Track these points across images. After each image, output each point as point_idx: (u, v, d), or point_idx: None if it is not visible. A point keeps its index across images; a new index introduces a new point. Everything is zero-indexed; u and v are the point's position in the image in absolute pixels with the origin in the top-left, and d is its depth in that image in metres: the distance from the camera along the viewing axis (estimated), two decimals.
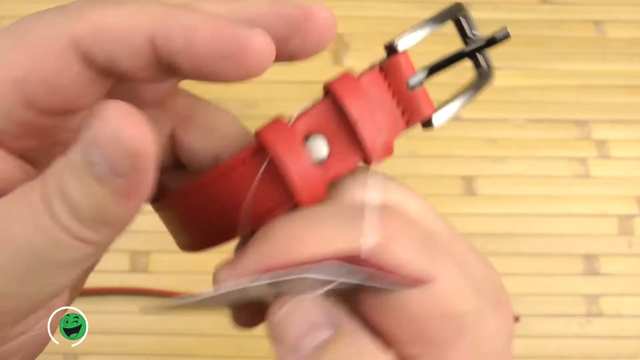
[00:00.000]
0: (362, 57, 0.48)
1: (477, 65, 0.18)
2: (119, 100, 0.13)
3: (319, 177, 0.16)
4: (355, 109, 0.16)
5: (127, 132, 0.13)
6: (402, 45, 0.17)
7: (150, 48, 0.15)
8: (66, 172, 0.14)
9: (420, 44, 0.52)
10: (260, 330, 0.43)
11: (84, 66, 0.15)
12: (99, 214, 0.14)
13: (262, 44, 0.15)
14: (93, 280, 0.41)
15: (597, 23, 0.49)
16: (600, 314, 0.41)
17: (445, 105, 0.17)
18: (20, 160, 0.17)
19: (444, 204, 0.44)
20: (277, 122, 0.16)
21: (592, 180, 0.45)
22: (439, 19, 0.17)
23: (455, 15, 0.18)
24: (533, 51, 0.48)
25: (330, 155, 0.16)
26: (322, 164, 0.16)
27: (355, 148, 0.16)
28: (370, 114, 0.16)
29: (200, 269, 0.42)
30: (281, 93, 0.46)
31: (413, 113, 0.18)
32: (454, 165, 0.45)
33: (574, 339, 0.41)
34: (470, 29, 0.18)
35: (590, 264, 0.43)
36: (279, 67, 0.53)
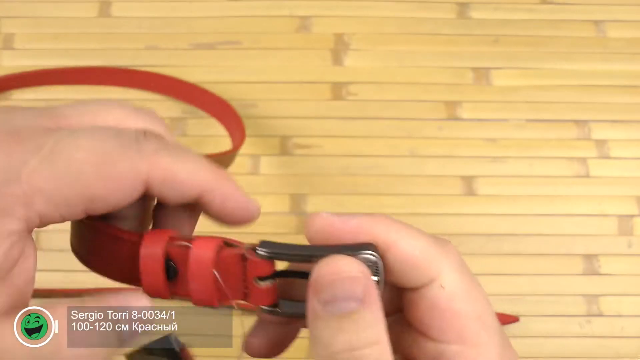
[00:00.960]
0: (362, 57, 0.48)
1: None
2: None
3: (161, 281, 0.21)
4: (194, 269, 0.21)
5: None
6: (261, 253, 0.21)
7: (196, 197, 0.20)
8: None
9: (420, 43, 0.51)
10: None
11: (141, 192, 0.20)
12: None
13: (258, 212, 0.22)
14: (93, 280, 0.41)
15: (597, 23, 0.49)
16: (600, 314, 0.41)
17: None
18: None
19: (444, 204, 0.44)
20: (159, 234, 0.21)
21: (592, 180, 0.45)
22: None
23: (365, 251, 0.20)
24: (533, 51, 0.48)
25: (176, 278, 0.21)
26: (172, 280, 0.21)
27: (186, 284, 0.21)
28: (206, 281, 0.21)
29: None
30: (281, 93, 0.46)
31: (253, 298, 0.22)
32: (454, 165, 0.45)
33: (574, 339, 0.41)
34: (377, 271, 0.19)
35: (590, 264, 0.43)
36: (279, 67, 0.53)
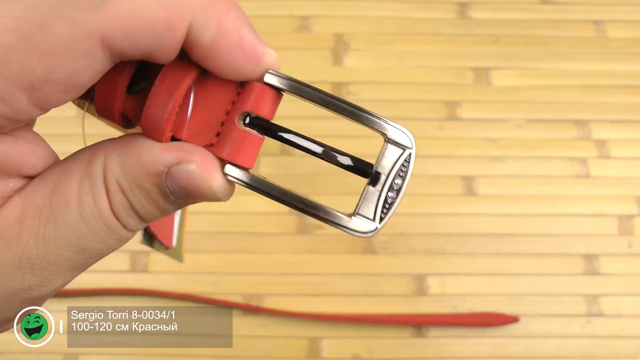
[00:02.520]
0: (362, 57, 0.48)
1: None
2: (201, 150, 0.16)
3: (120, 88, 0.16)
4: (167, 73, 0.15)
5: (214, 188, 0.16)
6: (269, 78, 0.16)
7: (183, 38, 0.15)
8: (136, 193, 0.15)
9: (420, 43, 0.52)
10: (260, 330, 0.43)
11: (109, 61, 0.14)
12: (160, 217, 0.16)
13: (273, 62, 0.16)
14: (93, 281, 0.41)
15: (597, 23, 0.49)
16: (600, 314, 0.42)
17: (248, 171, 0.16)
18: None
19: (444, 204, 0.44)
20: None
21: (592, 180, 0.45)
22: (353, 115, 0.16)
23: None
24: (533, 51, 0.48)
25: (143, 90, 0.16)
26: (134, 93, 0.16)
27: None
28: (173, 91, 0.15)
29: (199, 270, 0.42)
30: None
31: (221, 144, 0.16)
32: (454, 165, 0.45)
33: (574, 339, 0.41)
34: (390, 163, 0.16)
35: (590, 264, 0.43)
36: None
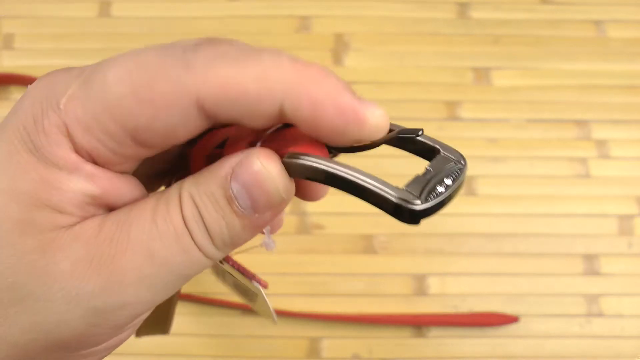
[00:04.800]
0: (362, 57, 0.48)
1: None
2: (263, 148, 0.16)
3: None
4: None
5: (278, 182, 0.16)
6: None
7: (277, 114, 0.15)
8: (205, 201, 0.16)
9: (420, 44, 0.52)
10: (260, 330, 0.43)
11: (202, 121, 0.16)
12: (230, 239, 0.16)
13: (381, 122, 0.16)
14: None
15: (597, 23, 0.49)
16: (600, 314, 0.41)
17: None
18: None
19: None
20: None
21: (592, 180, 0.45)
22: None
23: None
24: (533, 51, 0.48)
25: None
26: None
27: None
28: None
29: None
30: None
31: (286, 145, 0.17)
32: None
33: (573, 339, 0.41)
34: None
35: (590, 264, 0.43)
36: None
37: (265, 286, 0.22)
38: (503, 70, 0.47)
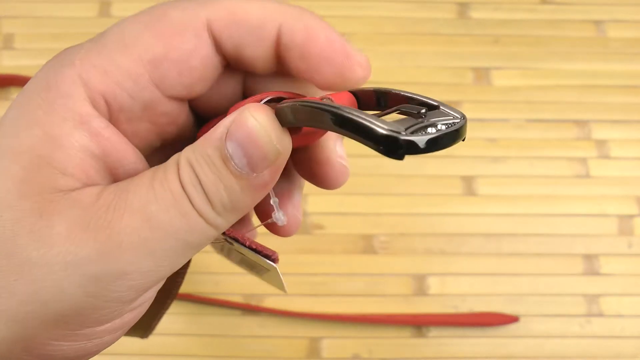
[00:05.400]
0: None
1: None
2: (257, 103, 0.16)
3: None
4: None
5: (271, 133, 0.15)
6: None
7: (275, 39, 0.17)
8: (201, 163, 0.15)
9: (420, 43, 0.52)
10: (260, 330, 0.43)
11: (213, 50, 0.17)
12: (230, 203, 0.16)
13: (365, 63, 0.17)
14: None
15: (597, 23, 0.49)
16: (600, 314, 0.42)
17: None
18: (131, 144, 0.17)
19: (444, 204, 0.44)
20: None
21: (592, 180, 0.45)
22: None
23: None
24: (533, 51, 0.48)
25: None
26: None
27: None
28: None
29: (201, 269, 0.42)
30: None
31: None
32: (454, 165, 0.45)
33: (573, 339, 0.41)
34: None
35: (590, 264, 0.43)
36: None
37: (277, 261, 0.22)
38: (503, 70, 0.47)
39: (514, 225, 0.43)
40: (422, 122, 0.15)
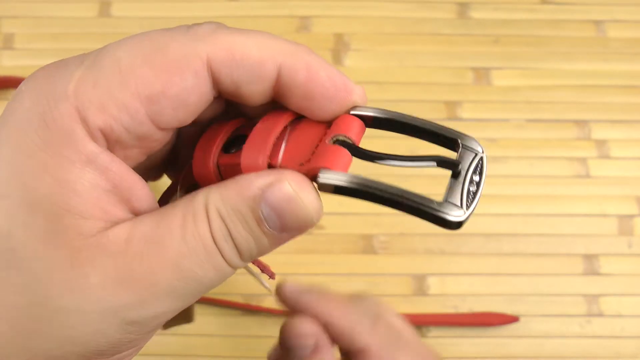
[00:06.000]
0: (362, 57, 0.48)
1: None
2: (294, 171, 0.16)
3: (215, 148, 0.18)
4: (266, 119, 0.18)
5: (308, 204, 0.16)
6: (355, 110, 0.18)
7: (275, 78, 0.17)
8: (233, 220, 0.16)
9: (420, 43, 0.52)
10: (260, 330, 0.43)
11: (210, 87, 0.17)
12: (257, 254, 0.17)
13: (363, 95, 0.18)
14: None
15: (597, 23, 0.49)
16: (600, 314, 0.42)
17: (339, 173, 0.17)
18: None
19: None
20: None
21: (592, 180, 0.45)
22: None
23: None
24: (533, 51, 0.48)
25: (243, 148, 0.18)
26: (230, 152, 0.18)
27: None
28: (271, 129, 0.17)
29: None
30: None
31: (314, 160, 0.17)
32: None
33: (574, 339, 0.41)
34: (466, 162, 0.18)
35: (590, 264, 0.43)
36: None
37: (273, 277, 0.23)
38: (503, 70, 0.47)
39: (514, 225, 0.43)
40: (463, 180, 0.17)
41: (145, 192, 0.17)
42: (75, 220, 0.15)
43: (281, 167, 0.17)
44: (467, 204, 0.17)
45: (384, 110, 0.18)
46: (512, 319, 0.41)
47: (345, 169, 0.17)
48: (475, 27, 0.49)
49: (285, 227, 0.17)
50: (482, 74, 0.47)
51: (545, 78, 0.47)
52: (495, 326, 0.41)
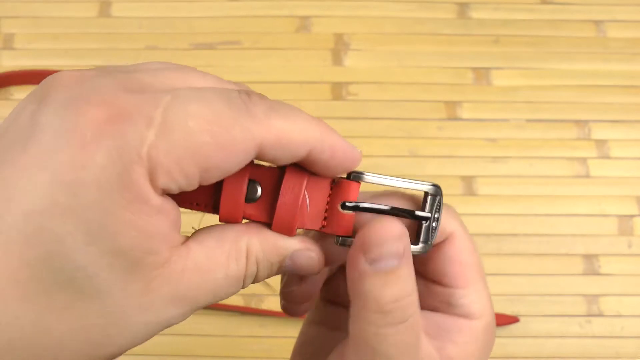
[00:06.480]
0: (362, 57, 0.48)
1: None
2: (314, 242, 0.22)
3: (240, 201, 0.22)
4: (287, 185, 0.21)
5: (320, 264, 0.22)
6: (364, 178, 0.23)
7: (304, 156, 0.20)
8: (265, 265, 0.22)
9: (420, 43, 0.52)
10: (260, 330, 0.43)
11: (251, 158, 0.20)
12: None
13: (360, 159, 0.22)
14: None
15: (597, 23, 0.49)
16: (600, 314, 0.42)
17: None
18: None
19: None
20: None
21: (592, 180, 0.45)
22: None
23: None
24: (533, 51, 0.48)
25: (257, 200, 0.22)
26: (251, 202, 0.22)
27: (270, 211, 0.22)
28: (297, 198, 0.21)
29: None
30: (281, 93, 0.46)
31: (330, 225, 0.22)
32: (454, 165, 0.45)
33: (574, 339, 0.41)
34: (431, 207, 0.23)
35: (590, 264, 0.43)
36: (279, 67, 0.53)
37: None
38: (503, 70, 0.47)
39: (514, 225, 0.43)
40: (429, 223, 0.23)
41: (177, 217, 0.20)
42: (152, 258, 0.19)
43: (306, 229, 0.22)
44: (430, 238, 0.23)
45: (373, 180, 0.23)
46: (512, 320, 0.41)
47: (350, 230, 0.22)
48: (475, 27, 0.49)
49: (294, 272, 0.22)
50: (482, 74, 0.47)
51: (545, 78, 0.47)
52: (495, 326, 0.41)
